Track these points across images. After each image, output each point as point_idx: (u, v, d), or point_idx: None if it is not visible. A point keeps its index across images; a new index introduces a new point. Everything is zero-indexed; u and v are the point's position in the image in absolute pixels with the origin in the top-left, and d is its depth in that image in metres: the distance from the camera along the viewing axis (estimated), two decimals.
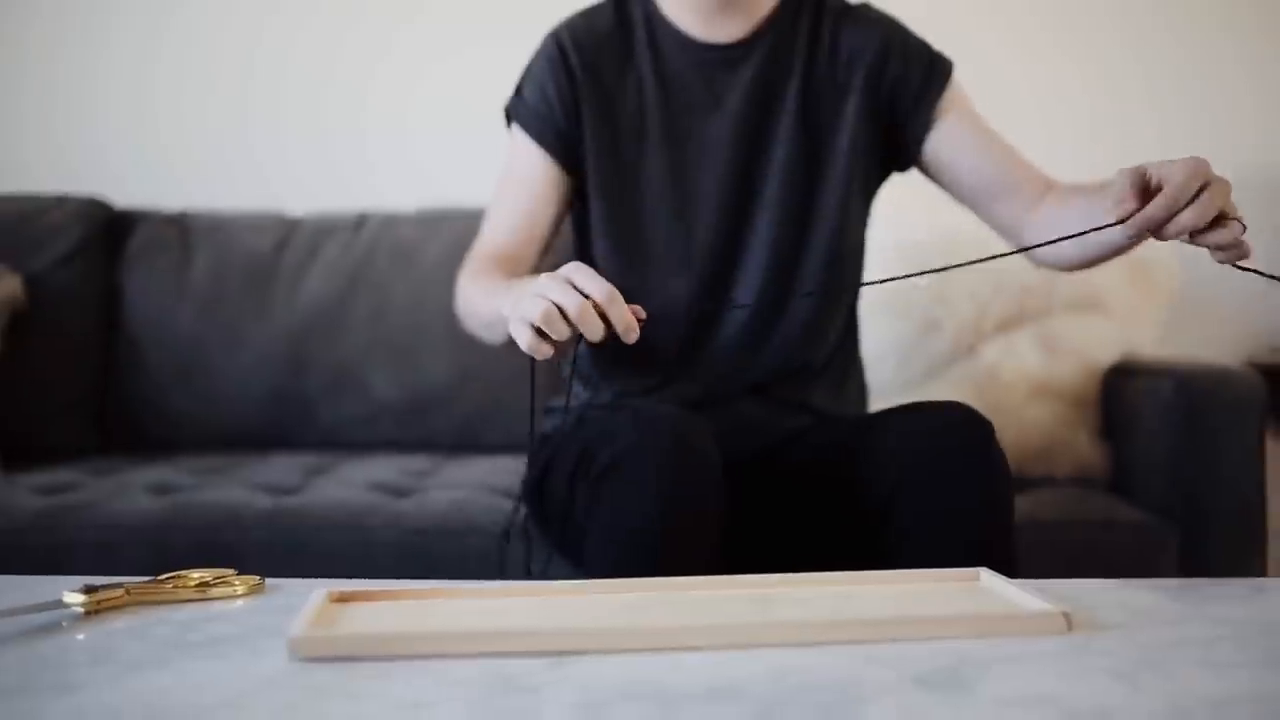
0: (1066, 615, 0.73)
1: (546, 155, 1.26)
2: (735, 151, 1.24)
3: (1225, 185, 0.87)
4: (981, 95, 1.28)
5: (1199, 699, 0.61)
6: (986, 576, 0.84)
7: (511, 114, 1.30)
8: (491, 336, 1.17)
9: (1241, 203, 0.89)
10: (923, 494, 0.99)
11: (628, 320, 0.89)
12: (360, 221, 2.08)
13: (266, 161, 2.32)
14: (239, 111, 2.34)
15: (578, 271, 0.91)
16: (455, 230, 2.03)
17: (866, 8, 1.29)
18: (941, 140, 1.24)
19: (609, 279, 0.91)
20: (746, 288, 1.24)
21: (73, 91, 2.35)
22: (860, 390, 1.36)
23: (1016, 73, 2.24)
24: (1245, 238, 0.87)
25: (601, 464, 1.04)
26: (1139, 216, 0.87)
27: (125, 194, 2.17)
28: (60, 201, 2.07)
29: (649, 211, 1.25)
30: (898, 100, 1.24)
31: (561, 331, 0.90)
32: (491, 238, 1.27)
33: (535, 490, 1.24)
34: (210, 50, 2.34)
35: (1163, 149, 2.31)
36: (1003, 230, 1.24)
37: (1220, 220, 0.86)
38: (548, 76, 1.26)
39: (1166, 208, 0.86)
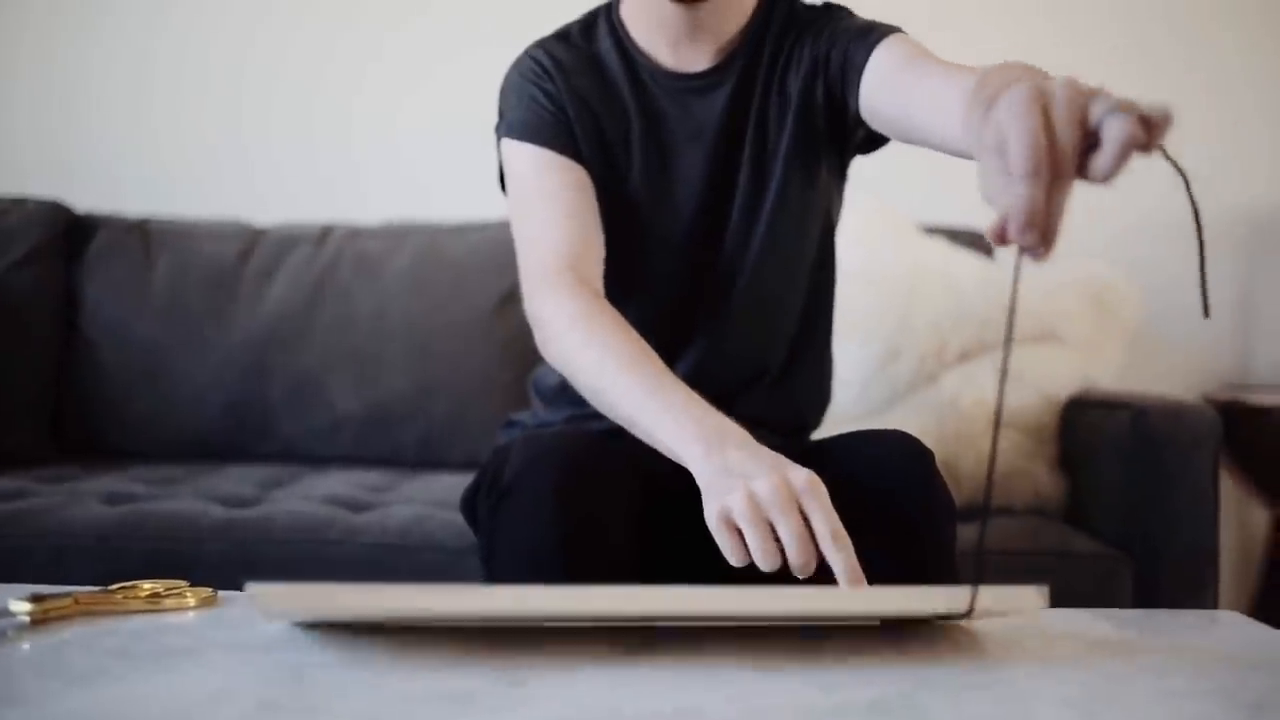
0: (1043, 592, 0.74)
1: (562, 156, 1.18)
2: (707, 184, 1.22)
3: (1072, 90, 0.66)
4: None
5: None
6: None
7: (506, 136, 1.21)
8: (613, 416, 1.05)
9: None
10: (862, 525, 0.99)
11: (852, 572, 0.83)
12: (325, 233, 2.06)
13: (230, 171, 2.31)
14: (204, 120, 2.32)
15: (811, 495, 0.85)
16: (419, 243, 2.03)
17: (825, 7, 1.24)
18: (868, 91, 1.14)
19: None
20: (711, 317, 1.24)
21: (37, 95, 2.32)
22: (817, 405, 1.35)
23: None
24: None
25: (498, 490, 1.03)
26: (1016, 216, 0.65)
27: (87, 199, 2.15)
28: (18, 204, 2.04)
29: (624, 243, 1.23)
30: (833, 86, 1.19)
31: (768, 561, 0.84)
32: (541, 258, 1.14)
33: (469, 504, 1.23)
34: (175, 57, 2.33)
35: (1168, 186, 2.34)
36: (962, 153, 1.06)
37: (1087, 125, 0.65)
38: (533, 87, 1.20)
39: (1031, 179, 0.64)
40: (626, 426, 1.02)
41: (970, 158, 1.02)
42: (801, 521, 0.84)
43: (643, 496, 1.06)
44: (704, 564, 1.02)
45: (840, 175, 1.29)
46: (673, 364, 1.24)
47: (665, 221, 1.23)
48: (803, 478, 0.87)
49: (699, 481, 0.91)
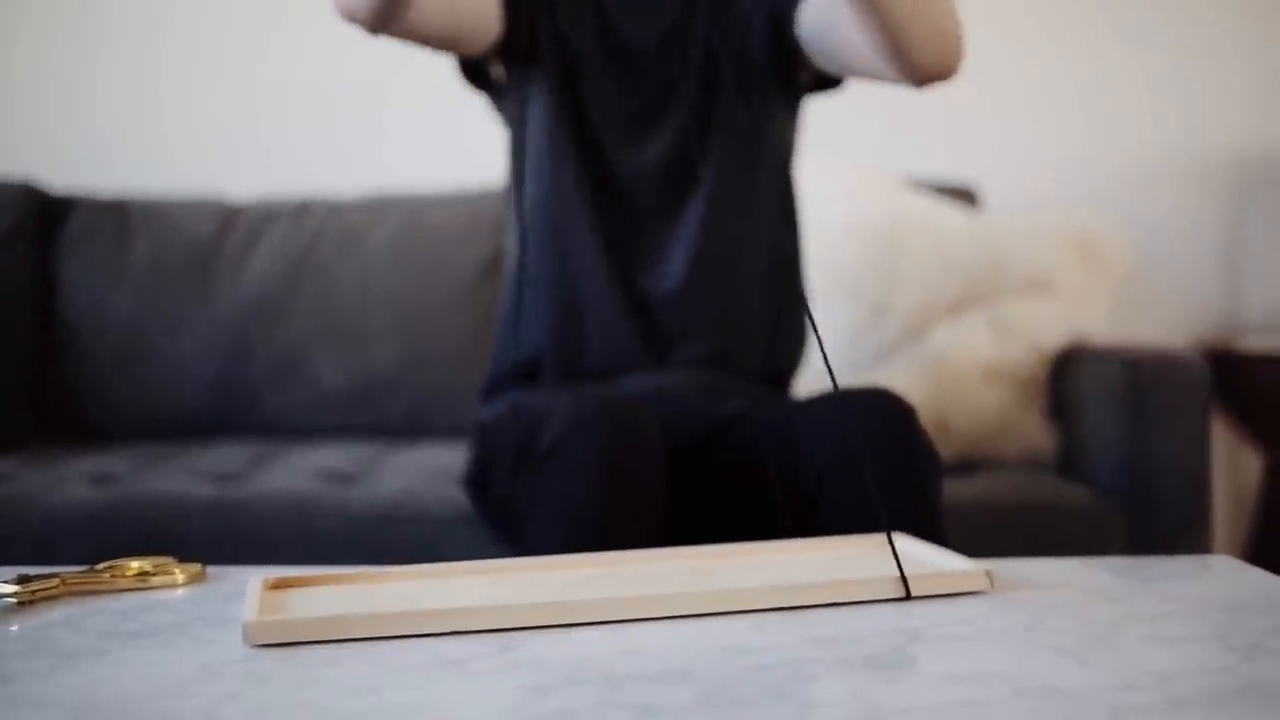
0: (989, 573, 0.77)
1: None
2: (641, 110, 1.25)
3: None
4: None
5: (1146, 673, 0.61)
6: (902, 541, 0.88)
7: None
8: None
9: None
10: (846, 483, 0.98)
11: None
12: (303, 208, 2.05)
13: (201, 148, 2.28)
14: (176, 96, 2.29)
15: None
16: (400, 215, 2.01)
17: None
18: (806, 20, 1.19)
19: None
20: (673, 246, 1.25)
21: (4, 74, 2.29)
22: (794, 346, 1.35)
23: (1006, 59, 2.23)
24: None
25: (541, 449, 1.02)
26: None
27: (60, 179, 2.12)
28: None
29: (573, 159, 1.25)
30: (776, 18, 1.22)
31: None
32: None
33: (476, 481, 1.22)
34: (146, 34, 2.29)
35: (1155, 132, 2.37)
36: (879, 77, 1.14)
37: None
38: None
39: None
40: None
41: (882, 80, 1.09)
42: None
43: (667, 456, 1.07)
44: (711, 518, 1.03)
45: (791, 113, 1.31)
46: (645, 281, 1.26)
47: (618, 139, 1.26)
48: None
49: None
